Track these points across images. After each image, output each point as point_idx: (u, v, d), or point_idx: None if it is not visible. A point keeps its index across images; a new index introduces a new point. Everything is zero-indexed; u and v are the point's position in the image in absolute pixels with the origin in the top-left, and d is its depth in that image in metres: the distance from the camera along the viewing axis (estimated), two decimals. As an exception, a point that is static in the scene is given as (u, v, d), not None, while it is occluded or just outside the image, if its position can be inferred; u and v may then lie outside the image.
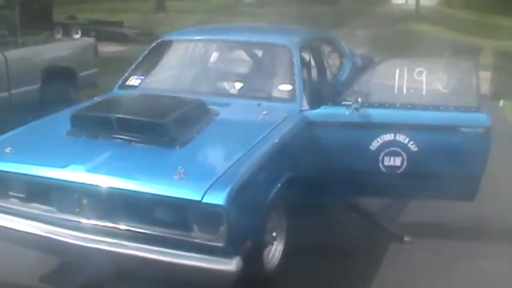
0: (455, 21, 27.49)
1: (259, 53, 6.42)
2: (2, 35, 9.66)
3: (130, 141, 4.41)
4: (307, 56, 6.10)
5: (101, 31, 20.51)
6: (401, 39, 20.42)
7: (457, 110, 5.17)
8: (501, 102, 11.51)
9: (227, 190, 3.75)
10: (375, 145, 5.18)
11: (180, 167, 3.88)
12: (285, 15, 25.83)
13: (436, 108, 5.18)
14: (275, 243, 4.69)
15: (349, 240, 5.39)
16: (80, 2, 31.57)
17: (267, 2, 38.31)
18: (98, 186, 4.00)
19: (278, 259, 4.68)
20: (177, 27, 8.86)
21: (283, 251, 4.73)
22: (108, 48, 17.05)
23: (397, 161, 5.19)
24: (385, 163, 5.20)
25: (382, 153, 5.18)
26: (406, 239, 5.48)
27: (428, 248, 5.34)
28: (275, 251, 4.69)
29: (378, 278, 4.90)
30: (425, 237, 5.49)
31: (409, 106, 5.21)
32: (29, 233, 4.22)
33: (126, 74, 6.09)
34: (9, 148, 4.40)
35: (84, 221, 4.09)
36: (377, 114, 5.19)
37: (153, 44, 6.47)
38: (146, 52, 6.35)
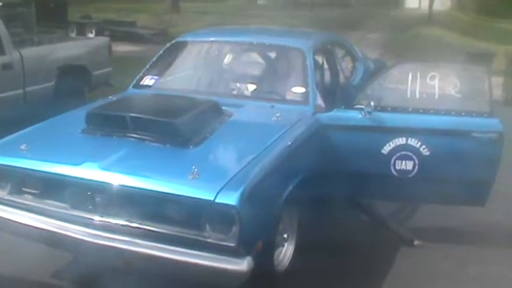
0: (468, 26, 27.37)
1: (273, 55, 6.44)
2: (18, 33, 9.74)
3: (145, 140, 4.45)
4: (320, 59, 6.12)
5: (115, 31, 20.55)
6: (413, 44, 20.37)
7: (470, 115, 5.18)
8: (514, 108, 11.47)
9: (240, 191, 3.78)
10: (386, 149, 5.20)
11: (193, 167, 3.92)
12: (297, 18, 25.87)
13: (448, 112, 5.20)
14: (286, 244, 4.72)
15: (360, 243, 5.40)
16: (94, 1, 31.66)
17: (280, 4, 38.40)
18: (111, 184, 4.04)
19: (289, 260, 4.70)
20: (191, 28, 8.92)
21: (294, 252, 4.76)
22: (122, 48, 17.10)
23: (408, 165, 5.21)
24: (397, 167, 5.22)
25: (394, 157, 5.20)
26: (416, 242, 5.49)
27: (438, 252, 5.34)
28: (286, 252, 4.71)
29: (387, 282, 4.92)
30: (435, 242, 5.49)
31: (421, 110, 5.23)
32: (42, 228, 4.26)
33: (141, 74, 6.13)
34: (24, 145, 4.44)
35: (97, 218, 4.12)
36: (389, 118, 5.20)
37: (168, 45, 6.52)
38: (161, 52, 6.39)
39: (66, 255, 4.92)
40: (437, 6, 35.21)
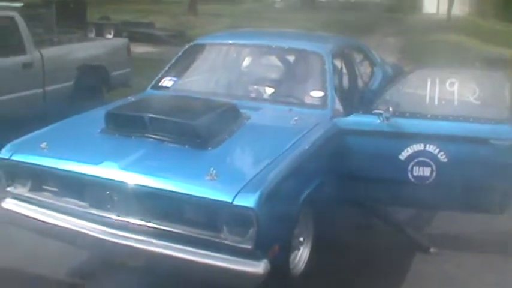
0: (486, 32, 27.24)
1: (292, 58, 6.44)
2: (38, 33, 9.81)
3: (163, 141, 4.47)
4: (339, 64, 6.11)
5: (133, 32, 20.62)
6: (432, 49, 20.28)
7: (489, 121, 5.15)
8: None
9: (258, 193, 3.79)
10: (404, 155, 5.18)
11: (211, 168, 3.93)
12: (314, 21, 25.83)
13: (467, 119, 5.17)
14: (302, 247, 4.72)
15: (376, 249, 5.40)
16: (112, 3, 31.83)
17: (297, 8, 38.39)
18: (129, 183, 4.07)
19: (304, 264, 4.71)
20: (208, 30, 8.96)
21: (310, 256, 4.76)
22: (140, 49, 17.17)
23: (426, 172, 5.19)
24: (415, 173, 5.20)
25: (412, 163, 5.18)
26: (432, 250, 5.46)
27: (454, 260, 5.32)
28: (301, 255, 4.72)
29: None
30: (452, 249, 5.47)
31: (439, 117, 5.20)
32: (60, 226, 4.33)
33: (159, 75, 6.16)
34: (45, 143, 4.48)
35: (114, 217, 4.16)
36: (407, 124, 5.19)
37: (186, 47, 6.54)
38: (179, 54, 6.42)
39: (83, 253, 4.96)
40: (456, 11, 35.15)
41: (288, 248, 4.37)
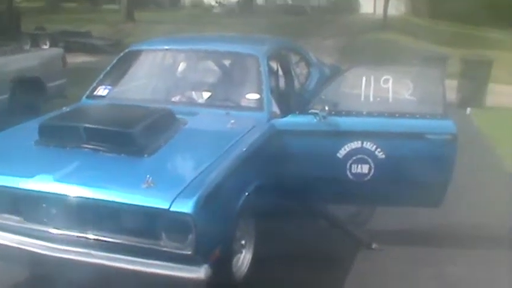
0: (422, 31, 27.78)
1: (227, 62, 6.44)
2: (-30, 46, 9.61)
3: (99, 150, 4.40)
4: (274, 65, 6.14)
5: (70, 42, 20.31)
6: (369, 49, 20.59)
7: (424, 117, 5.23)
8: (468, 110, 11.67)
9: (195, 198, 3.76)
10: (342, 153, 5.22)
11: (148, 176, 3.89)
12: (253, 26, 25.93)
13: (402, 115, 5.23)
14: (244, 251, 4.71)
15: (318, 248, 5.43)
16: (48, 12, 31.37)
17: (236, 13, 38.50)
18: (66, 195, 3.99)
19: (247, 267, 4.70)
20: (146, 37, 8.85)
21: (252, 259, 4.75)
22: (77, 59, 16.97)
23: (364, 169, 5.24)
24: (353, 170, 5.25)
25: (350, 161, 5.22)
26: (374, 246, 5.52)
27: (396, 254, 5.38)
28: (244, 259, 4.70)
29: (346, 286, 4.94)
30: (393, 244, 5.53)
31: (375, 114, 5.26)
32: (-3, 243, 4.20)
33: (94, 84, 6.06)
34: (-24, 159, 4.37)
35: (52, 230, 4.07)
36: (344, 122, 5.23)
37: (121, 54, 6.46)
38: (114, 62, 6.33)
39: (23, 271, 4.85)
40: (392, 11, 35.72)
41: (230, 251, 4.35)
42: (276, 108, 5.42)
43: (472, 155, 7.81)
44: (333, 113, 5.21)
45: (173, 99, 5.79)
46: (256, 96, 5.51)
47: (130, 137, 4.42)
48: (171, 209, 3.72)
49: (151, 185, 3.85)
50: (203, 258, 3.85)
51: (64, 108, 5.63)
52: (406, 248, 5.50)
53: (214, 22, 29.94)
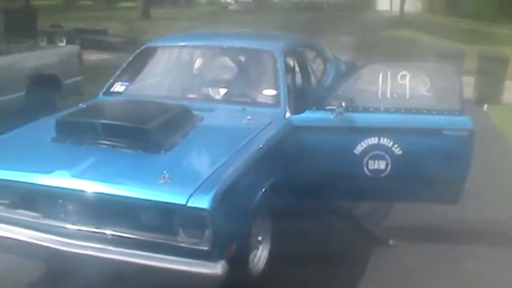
0: (438, 27, 27.64)
1: (244, 58, 6.44)
2: (-14, 43, 9.65)
3: (115, 146, 4.41)
4: (291, 62, 6.10)
5: (86, 39, 20.37)
6: (385, 45, 20.50)
7: (441, 113, 5.21)
8: (485, 107, 11.61)
9: (212, 194, 3.76)
10: (359, 149, 5.21)
11: (165, 172, 3.90)
12: (269, 23, 25.86)
13: (419, 111, 5.21)
14: (260, 247, 4.70)
15: (334, 244, 5.42)
16: (64, 10, 31.49)
17: (252, 10, 38.48)
18: (83, 191, 4.00)
19: (263, 263, 4.69)
20: (162, 34, 8.84)
21: (269, 255, 4.75)
22: (93, 57, 17.01)
23: (381, 165, 5.22)
24: (370, 167, 5.23)
25: (367, 157, 5.21)
26: (390, 242, 5.50)
27: (413, 251, 5.36)
28: (260, 255, 4.70)
29: (363, 282, 4.91)
30: (410, 241, 5.50)
31: (392, 110, 5.24)
32: (14, 239, 4.21)
33: (111, 81, 6.09)
34: (-6, 154, 4.39)
35: (69, 226, 4.09)
36: (361, 118, 5.22)
37: (138, 51, 6.48)
38: (131, 59, 6.35)
39: (41, 266, 4.86)
40: (409, 8, 35.62)
41: (246, 247, 4.34)
42: (292, 105, 5.39)
43: (489, 151, 7.76)
44: (350, 109, 5.20)
45: (190, 96, 5.80)
46: (273, 92, 5.51)
47: (147, 133, 4.42)
48: (188, 205, 3.72)
49: (168, 180, 3.86)
50: (220, 254, 3.84)
51: (81, 104, 5.64)
52: (423, 245, 5.46)
53: (230, 19, 29.96)
